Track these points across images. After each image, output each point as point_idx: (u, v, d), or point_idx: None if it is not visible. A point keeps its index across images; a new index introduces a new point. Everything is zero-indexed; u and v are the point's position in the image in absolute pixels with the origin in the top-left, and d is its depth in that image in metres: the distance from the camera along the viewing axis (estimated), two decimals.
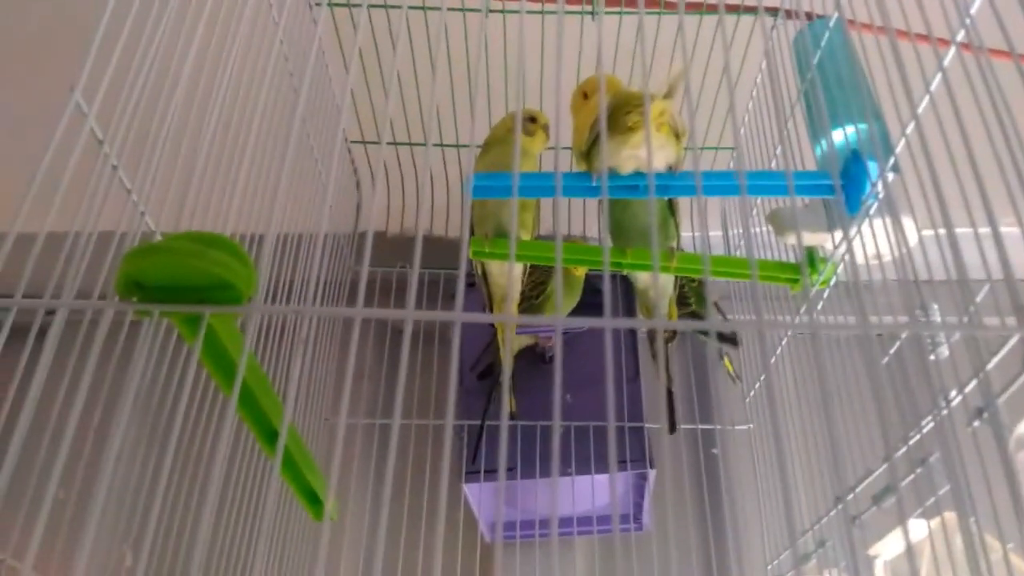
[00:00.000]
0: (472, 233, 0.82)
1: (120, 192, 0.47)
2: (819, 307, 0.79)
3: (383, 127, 0.98)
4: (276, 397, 0.39)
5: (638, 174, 0.68)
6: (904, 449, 0.60)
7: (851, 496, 0.69)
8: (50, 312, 0.37)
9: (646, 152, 0.67)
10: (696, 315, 0.96)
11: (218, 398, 0.58)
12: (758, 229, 0.96)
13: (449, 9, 0.89)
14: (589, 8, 0.89)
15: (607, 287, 0.42)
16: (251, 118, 0.57)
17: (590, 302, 1.06)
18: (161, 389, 0.44)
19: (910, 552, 0.37)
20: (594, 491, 1.01)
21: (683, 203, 0.88)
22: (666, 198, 0.82)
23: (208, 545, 0.67)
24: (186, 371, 0.33)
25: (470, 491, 0.98)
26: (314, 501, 0.55)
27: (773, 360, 0.90)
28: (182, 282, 0.34)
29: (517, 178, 0.48)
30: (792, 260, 0.81)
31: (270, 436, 0.39)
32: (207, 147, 0.48)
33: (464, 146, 1.05)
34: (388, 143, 1.04)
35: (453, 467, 1.02)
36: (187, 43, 0.50)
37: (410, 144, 1.06)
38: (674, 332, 0.86)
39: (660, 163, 0.68)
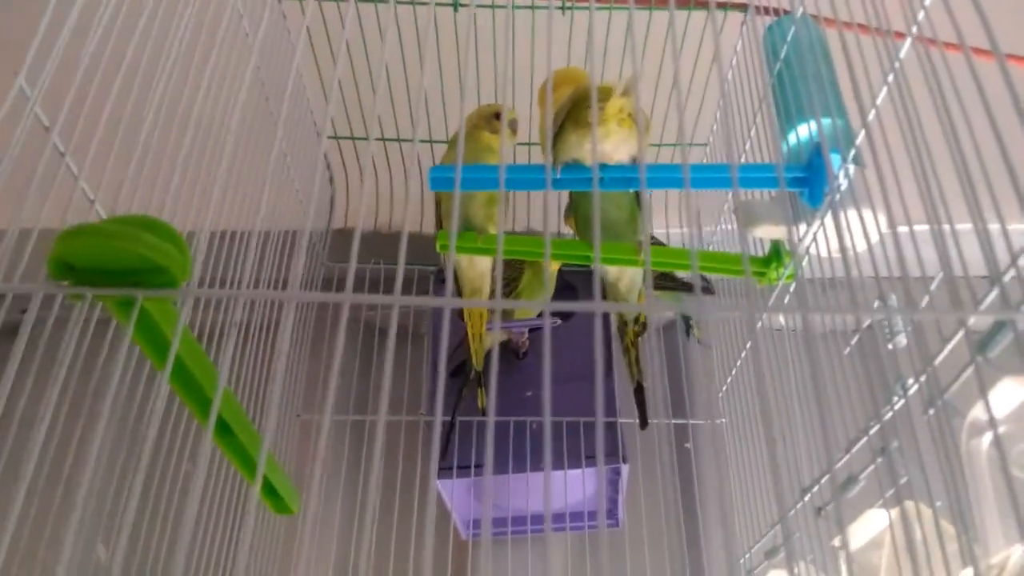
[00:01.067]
0: (439, 227, 0.82)
1: (68, 180, 0.46)
2: (786, 300, 0.79)
3: (347, 121, 0.98)
4: (215, 372, 0.39)
5: (601, 166, 0.68)
6: (864, 440, 0.61)
7: (816, 488, 0.69)
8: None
9: (609, 145, 0.68)
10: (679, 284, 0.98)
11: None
12: (730, 226, 0.97)
13: (437, 4, 0.90)
14: (559, 4, 0.89)
15: (597, 278, 0.42)
16: (223, 115, 0.57)
17: (563, 298, 1.06)
18: (98, 374, 0.44)
19: (842, 545, 0.37)
20: (567, 487, 1.00)
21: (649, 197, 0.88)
22: (633, 192, 0.83)
23: (133, 529, 0.67)
24: (117, 352, 0.33)
25: (443, 487, 0.98)
26: (270, 492, 0.54)
27: (744, 355, 0.91)
28: (115, 265, 0.33)
29: (460, 171, 0.48)
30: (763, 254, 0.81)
31: (208, 412, 0.39)
32: (152, 133, 0.47)
33: (440, 142, 1.05)
34: (349, 137, 1.04)
35: (426, 463, 1.02)
36: (136, 25, 0.50)
37: (382, 140, 1.06)
38: (644, 326, 0.86)
39: (624, 155, 0.68)
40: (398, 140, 1.07)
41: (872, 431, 0.60)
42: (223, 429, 0.43)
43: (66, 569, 0.31)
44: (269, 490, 0.55)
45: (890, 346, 0.57)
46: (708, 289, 1.03)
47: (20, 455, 0.36)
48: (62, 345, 0.35)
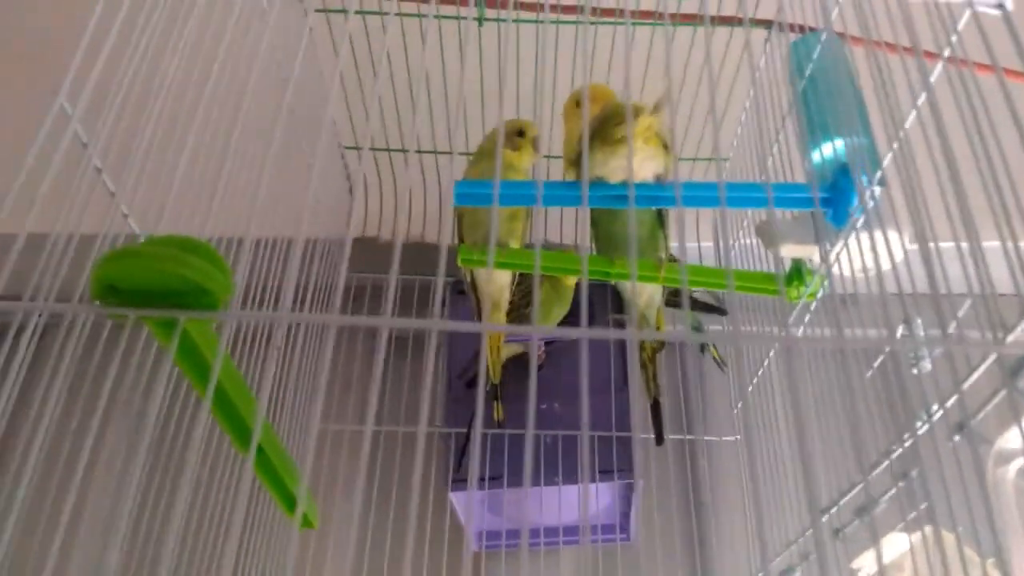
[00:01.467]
0: (462, 241, 0.82)
1: (103, 195, 0.47)
2: (807, 320, 0.79)
3: (371, 134, 0.99)
4: (253, 399, 0.39)
5: (625, 184, 0.68)
6: (886, 464, 0.60)
7: (835, 509, 0.69)
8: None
9: (635, 162, 0.68)
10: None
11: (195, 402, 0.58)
12: (751, 240, 0.96)
13: (441, 17, 0.90)
14: (577, 18, 0.89)
15: (584, 297, 0.42)
16: (238, 121, 0.57)
17: (580, 312, 1.06)
18: (142, 393, 0.44)
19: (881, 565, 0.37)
20: (580, 500, 1.00)
21: (673, 214, 0.88)
22: (655, 209, 0.83)
23: (180, 549, 0.67)
24: (160, 373, 0.33)
25: (457, 499, 0.98)
26: (293, 507, 0.54)
27: (761, 372, 0.90)
28: (158, 287, 0.34)
29: (498, 186, 0.48)
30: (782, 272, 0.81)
31: (246, 438, 0.39)
32: (191, 150, 0.48)
33: (462, 154, 1.05)
34: (373, 148, 1.04)
35: (440, 475, 1.02)
36: (175, 45, 0.50)
37: (403, 151, 1.07)
38: (660, 343, 0.86)
39: (648, 173, 0.68)
40: (434, 152, 1.07)
41: (894, 455, 0.60)
42: (263, 464, 0.43)
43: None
44: (291, 503, 0.55)
45: (915, 371, 0.57)
46: (721, 309, 1.03)
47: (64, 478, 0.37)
48: (109, 365, 0.35)
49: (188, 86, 0.51)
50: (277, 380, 0.81)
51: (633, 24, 0.91)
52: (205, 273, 0.34)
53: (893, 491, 0.59)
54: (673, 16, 0.90)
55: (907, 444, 0.55)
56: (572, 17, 0.89)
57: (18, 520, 0.33)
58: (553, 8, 0.85)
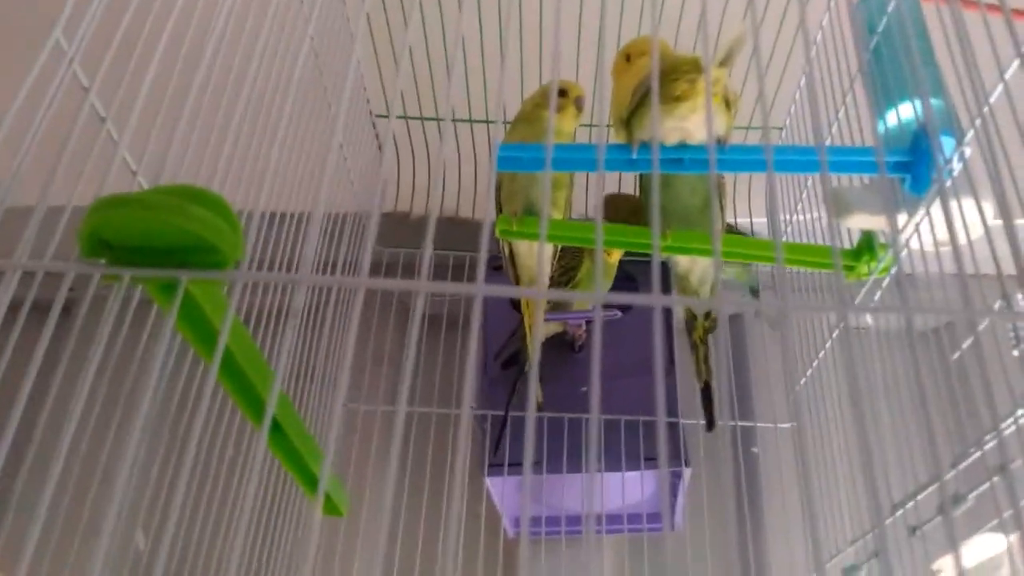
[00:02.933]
0: (499, 211, 0.76)
1: (108, 148, 0.42)
2: (877, 297, 0.73)
3: (401, 99, 0.93)
4: (269, 369, 0.34)
5: (682, 146, 0.62)
6: (978, 454, 0.54)
7: (911, 504, 0.63)
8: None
9: (693, 123, 0.62)
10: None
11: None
12: (809, 215, 0.90)
13: None
14: None
15: (656, 267, 0.36)
16: (275, 86, 0.52)
17: (623, 289, 1.00)
18: (137, 363, 0.40)
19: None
20: (625, 488, 0.95)
21: (729, 183, 0.82)
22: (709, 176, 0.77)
23: (187, 530, 0.63)
24: (159, 341, 0.28)
25: (492, 484, 0.93)
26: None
27: (822, 354, 0.84)
28: (158, 242, 0.28)
29: (551, 150, 0.43)
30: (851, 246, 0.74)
31: (261, 412, 0.34)
32: (201, 100, 0.43)
33: (491, 121, 0.99)
34: (404, 117, 0.99)
35: (476, 459, 0.97)
36: None
37: (436, 120, 1.01)
38: (714, 322, 0.80)
39: (707, 134, 0.62)
40: (470, 121, 1.01)
41: (988, 445, 0.54)
42: (272, 426, 0.38)
43: (104, 558, 0.27)
44: (313, 485, 0.50)
45: (1015, 352, 0.51)
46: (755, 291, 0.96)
47: (53, 444, 0.32)
48: (97, 330, 0.30)
49: (195, 25, 0.46)
50: (300, 358, 0.76)
51: None
52: (212, 227, 0.28)
53: (986, 485, 0.53)
54: None
55: (1006, 433, 0.49)
56: None
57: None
58: None
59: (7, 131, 0.34)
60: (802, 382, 0.91)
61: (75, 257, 0.30)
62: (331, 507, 0.52)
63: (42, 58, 0.36)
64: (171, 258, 0.29)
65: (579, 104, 0.76)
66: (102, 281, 0.29)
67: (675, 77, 0.60)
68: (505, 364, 1.00)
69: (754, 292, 0.98)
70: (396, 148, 1.06)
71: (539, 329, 0.36)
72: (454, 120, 1.00)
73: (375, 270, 1.09)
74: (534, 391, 0.27)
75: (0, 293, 0.29)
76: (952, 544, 0.31)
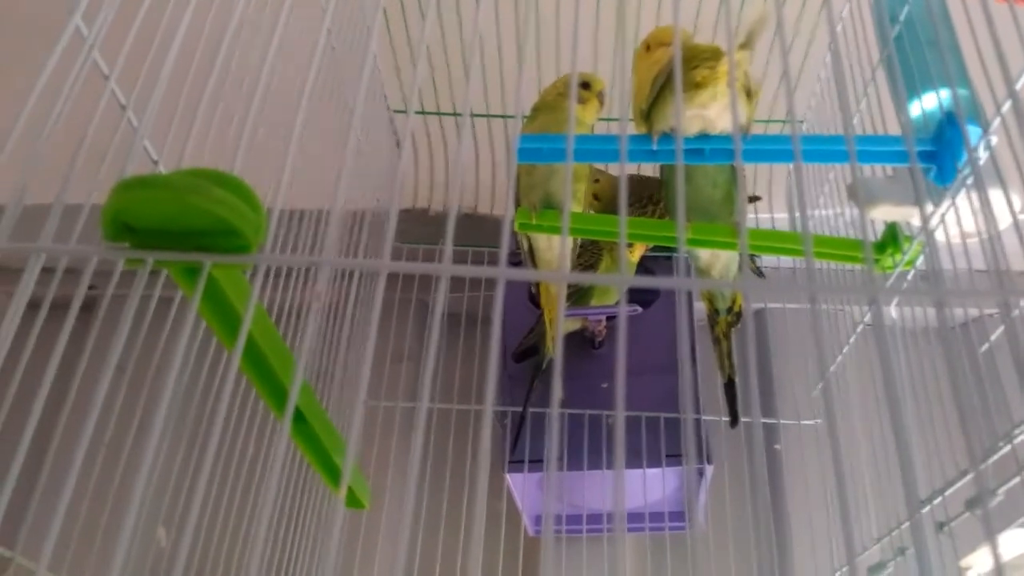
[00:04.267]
0: (518, 205, 0.76)
1: (127, 136, 0.42)
2: (903, 289, 0.72)
3: (418, 95, 0.93)
4: (291, 357, 0.34)
5: (703, 136, 0.61)
6: (1008, 448, 0.53)
7: (939, 500, 0.62)
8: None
9: (714, 111, 0.61)
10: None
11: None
12: (832, 209, 0.89)
13: None
14: None
15: (682, 255, 0.36)
16: (294, 78, 0.52)
17: (643, 288, 1.00)
18: (159, 354, 0.39)
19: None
20: (646, 486, 0.94)
21: (748, 177, 0.81)
22: (730, 168, 0.76)
23: (210, 523, 0.63)
24: (182, 325, 0.28)
25: (513, 481, 0.93)
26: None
27: (846, 350, 0.83)
28: (180, 225, 0.28)
29: (572, 141, 0.42)
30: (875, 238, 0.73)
31: (283, 400, 0.34)
32: (221, 89, 0.42)
33: (509, 116, 0.99)
34: (422, 112, 0.98)
35: (496, 456, 0.97)
36: None
37: (454, 115, 1.01)
38: (738, 316, 0.79)
39: (729, 124, 0.61)
40: (487, 116, 1.00)
41: (1018, 439, 0.52)
42: (296, 417, 0.38)
43: (126, 553, 0.26)
44: (336, 477, 0.50)
45: None
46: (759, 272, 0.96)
47: (75, 433, 0.32)
48: (122, 316, 0.30)
49: (221, 20, 0.46)
50: (319, 355, 0.76)
51: None
52: (236, 210, 0.28)
53: (1016, 480, 0.52)
54: None
55: None
56: None
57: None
58: None
59: (27, 117, 0.34)
60: (826, 377, 0.89)
61: (97, 241, 0.29)
62: (354, 500, 0.52)
63: (61, 44, 0.36)
64: (193, 241, 0.28)
65: (602, 98, 0.76)
66: (126, 265, 0.29)
67: (695, 64, 0.59)
68: (519, 357, 0.99)
69: (758, 273, 0.96)
70: (414, 144, 1.06)
71: (561, 318, 0.35)
72: (472, 116, 0.99)
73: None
74: (558, 386, 0.27)
75: (25, 277, 0.29)
76: (990, 538, 0.31)
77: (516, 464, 0.91)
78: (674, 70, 0.42)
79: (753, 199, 0.98)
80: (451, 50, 0.91)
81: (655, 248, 0.97)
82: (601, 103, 0.75)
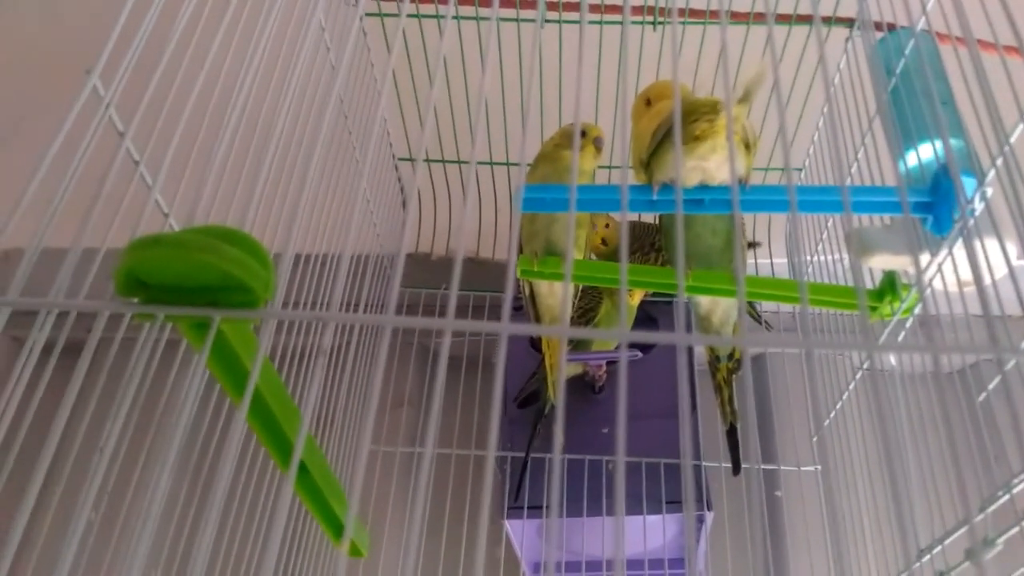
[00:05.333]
0: (520, 252, 0.77)
1: (141, 192, 0.43)
2: (900, 338, 0.72)
3: (425, 144, 0.95)
4: (296, 410, 0.34)
5: (703, 187, 0.62)
6: (1007, 497, 0.53)
7: (939, 549, 0.62)
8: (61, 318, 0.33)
9: (713, 163, 0.62)
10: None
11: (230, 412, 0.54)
12: (830, 256, 0.89)
13: (501, 20, 0.86)
14: (651, 18, 0.84)
15: (681, 307, 0.36)
16: (303, 131, 0.54)
17: (644, 331, 1.00)
18: (166, 400, 0.40)
19: None
20: (645, 532, 0.94)
21: (747, 224, 0.82)
22: (729, 217, 0.77)
23: (216, 570, 0.63)
24: (192, 380, 0.29)
25: (512, 528, 0.92)
26: (341, 532, 0.50)
27: (845, 396, 0.83)
28: (191, 281, 0.29)
29: (575, 191, 0.43)
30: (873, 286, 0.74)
31: (287, 453, 0.34)
32: (232, 146, 0.44)
33: (514, 164, 1.01)
34: (427, 160, 1.00)
35: (494, 502, 0.96)
36: (216, 32, 0.46)
37: (457, 162, 1.02)
38: (739, 363, 0.80)
39: (727, 175, 0.63)
40: (491, 164, 1.02)
41: (1016, 488, 0.53)
42: (298, 467, 0.38)
43: None
44: (339, 530, 0.50)
45: None
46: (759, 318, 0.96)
47: (80, 483, 0.33)
48: (128, 369, 0.31)
49: (232, 81, 0.47)
50: (323, 396, 0.77)
51: (699, 24, 0.86)
52: (245, 267, 0.29)
53: (1015, 530, 0.52)
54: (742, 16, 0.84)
55: None
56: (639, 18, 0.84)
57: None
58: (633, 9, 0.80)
59: (45, 173, 0.35)
60: (825, 424, 0.90)
61: (109, 296, 0.30)
62: (353, 548, 0.52)
63: (79, 103, 0.37)
64: (203, 297, 0.29)
65: (598, 144, 0.77)
66: (135, 319, 0.30)
67: (694, 118, 0.61)
68: (522, 404, 0.99)
69: (755, 319, 0.97)
70: (418, 190, 1.07)
71: (562, 367, 0.36)
72: (477, 163, 1.01)
73: (396, 310, 1.09)
74: (560, 432, 0.27)
75: (35, 332, 0.30)
76: None
77: (515, 510, 0.91)
78: (674, 123, 0.43)
79: (752, 245, 0.99)
80: (456, 101, 0.93)
81: (655, 292, 0.97)
82: (598, 149, 0.76)
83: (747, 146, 0.63)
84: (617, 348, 0.96)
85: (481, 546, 0.27)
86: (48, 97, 0.56)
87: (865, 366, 0.81)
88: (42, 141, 0.36)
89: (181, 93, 0.43)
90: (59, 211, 0.36)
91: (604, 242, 0.96)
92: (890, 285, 0.69)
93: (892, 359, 0.76)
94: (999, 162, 0.59)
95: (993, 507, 0.56)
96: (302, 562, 0.80)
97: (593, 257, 0.96)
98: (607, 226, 0.95)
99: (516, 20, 0.85)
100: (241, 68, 0.47)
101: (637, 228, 0.98)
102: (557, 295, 0.82)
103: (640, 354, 0.97)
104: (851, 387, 0.82)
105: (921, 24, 0.68)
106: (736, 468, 0.80)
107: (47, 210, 0.36)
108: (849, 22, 0.84)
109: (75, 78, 0.38)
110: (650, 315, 1.04)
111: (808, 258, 0.97)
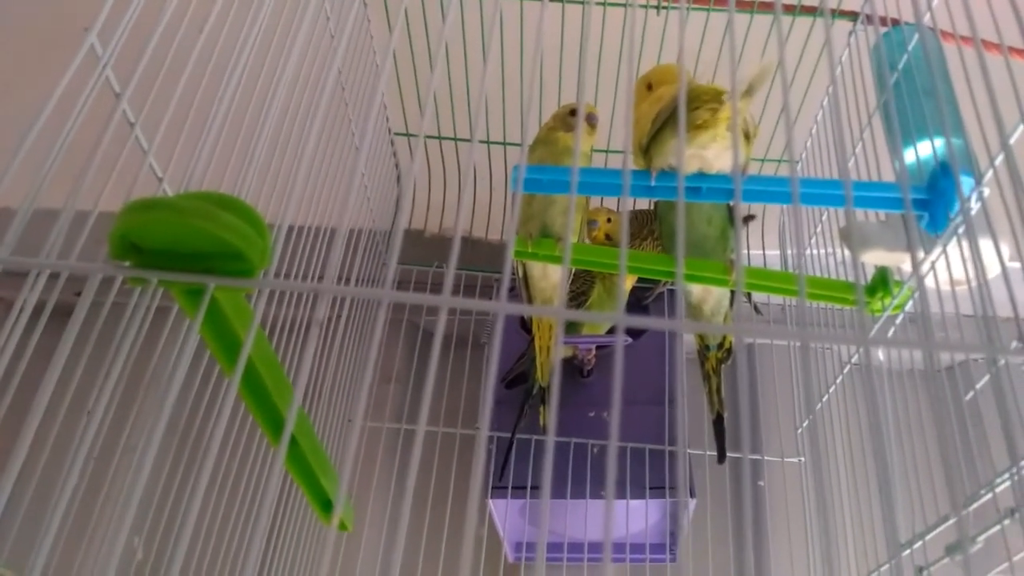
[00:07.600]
0: (516, 232, 0.77)
1: (136, 154, 0.42)
2: (890, 334, 0.72)
3: (424, 119, 0.94)
4: (288, 383, 0.34)
5: (701, 175, 0.62)
6: (989, 496, 0.54)
7: (920, 544, 0.62)
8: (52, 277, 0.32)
9: (713, 152, 0.62)
10: None
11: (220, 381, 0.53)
12: (823, 249, 0.90)
13: None
14: (655, 3, 0.83)
15: (680, 294, 0.36)
16: (301, 103, 0.53)
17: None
18: (155, 367, 0.40)
19: None
20: (628, 517, 0.94)
21: (742, 210, 0.82)
22: (724, 206, 0.77)
23: (202, 544, 0.63)
24: (183, 347, 0.28)
25: (495, 507, 0.92)
26: (328, 507, 0.50)
27: (832, 389, 0.84)
28: (185, 247, 0.29)
29: (576, 173, 0.43)
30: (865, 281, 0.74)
31: (277, 426, 0.34)
32: (229, 112, 0.43)
33: (511, 144, 1.00)
34: (428, 136, 0.99)
35: (482, 478, 0.96)
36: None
37: (455, 139, 1.02)
38: (728, 352, 0.80)
39: (725, 164, 0.62)
40: (488, 143, 1.01)
41: (1000, 487, 0.53)
42: (297, 459, 0.38)
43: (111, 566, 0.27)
44: (324, 504, 0.50)
45: None
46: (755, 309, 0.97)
47: (67, 445, 0.32)
48: (117, 333, 0.30)
49: (231, 45, 0.47)
50: (315, 369, 0.77)
51: (703, 10, 0.85)
52: (241, 234, 0.29)
53: (997, 528, 0.52)
54: (750, 4, 0.84)
55: (1019, 475, 0.48)
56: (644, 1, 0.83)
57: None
58: None
59: (39, 133, 0.35)
60: (814, 415, 0.90)
61: (102, 258, 0.30)
62: (338, 522, 0.52)
63: (76, 62, 0.36)
64: (198, 263, 0.29)
65: (591, 121, 0.76)
66: (128, 283, 0.29)
67: (696, 106, 0.60)
68: (510, 384, 0.99)
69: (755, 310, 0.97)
70: (415, 167, 1.07)
71: (558, 349, 0.35)
72: (478, 142, 1.00)
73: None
74: (555, 414, 0.27)
75: (25, 292, 0.30)
76: None
77: (499, 490, 0.91)
78: (678, 110, 0.43)
79: (748, 219, 0.99)
80: (455, 78, 0.92)
81: (644, 279, 0.97)
82: (592, 126, 0.76)
83: (747, 137, 0.63)
84: (608, 333, 0.96)
85: (471, 523, 0.26)
86: (44, 55, 0.55)
87: (854, 360, 0.81)
88: (37, 100, 0.36)
89: (179, 57, 0.42)
90: (52, 171, 0.36)
91: (608, 237, 0.95)
92: (882, 281, 0.69)
93: (880, 355, 0.76)
94: (998, 162, 0.59)
95: (975, 505, 0.56)
96: (286, 534, 0.80)
97: (587, 241, 0.95)
98: (609, 220, 0.94)
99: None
100: (241, 32, 0.47)
101: (633, 215, 0.98)
102: (550, 278, 0.82)
103: (630, 340, 0.97)
104: (838, 380, 0.83)
105: (926, 20, 0.68)
106: (721, 456, 0.81)
107: (40, 170, 0.35)
108: (853, 15, 0.84)
109: (72, 36, 0.37)
110: (641, 301, 1.04)
111: (802, 251, 0.97)
